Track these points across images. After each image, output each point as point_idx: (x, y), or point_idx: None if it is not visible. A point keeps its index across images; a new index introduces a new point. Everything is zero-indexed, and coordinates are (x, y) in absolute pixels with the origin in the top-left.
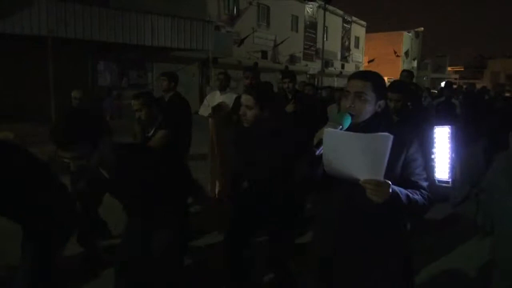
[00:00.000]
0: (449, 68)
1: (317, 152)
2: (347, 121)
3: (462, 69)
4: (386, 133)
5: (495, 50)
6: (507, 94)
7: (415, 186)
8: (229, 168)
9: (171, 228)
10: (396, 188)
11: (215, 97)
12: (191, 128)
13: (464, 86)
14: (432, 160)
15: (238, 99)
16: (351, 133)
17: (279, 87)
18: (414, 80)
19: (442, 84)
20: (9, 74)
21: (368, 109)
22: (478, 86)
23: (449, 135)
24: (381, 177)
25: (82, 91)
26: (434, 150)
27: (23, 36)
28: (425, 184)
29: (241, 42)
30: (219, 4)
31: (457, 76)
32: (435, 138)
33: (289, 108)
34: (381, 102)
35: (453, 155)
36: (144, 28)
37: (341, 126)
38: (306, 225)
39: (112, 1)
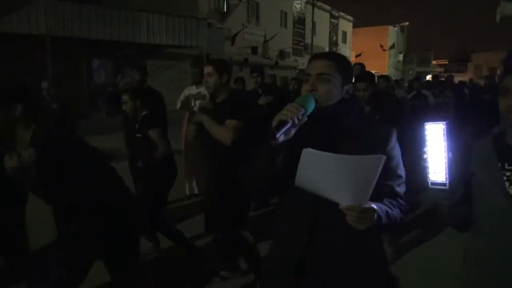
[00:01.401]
0: (433, 62)
1: (278, 135)
2: (311, 105)
3: (447, 62)
4: (379, 155)
5: (478, 44)
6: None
7: (391, 193)
8: (200, 162)
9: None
10: (377, 207)
11: (191, 92)
12: (166, 120)
13: (443, 78)
14: (424, 160)
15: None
16: (336, 155)
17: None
18: (398, 73)
19: (428, 77)
20: (8, 72)
21: (334, 92)
22: (459, 78)
23: (443, 132)
24: (366, 202)
25: (50, 82)
26: (426, 149)
27: (22, 35)
28: (401, 190)
29: (233, 38)
30: (209, 0)
31: (441, 69)
32: (426, 135)
33: (262, 101)
34: (349, 87)
35: (450, 154)
36: (140, 26)
37: (304, 111)
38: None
39: (105, 0)
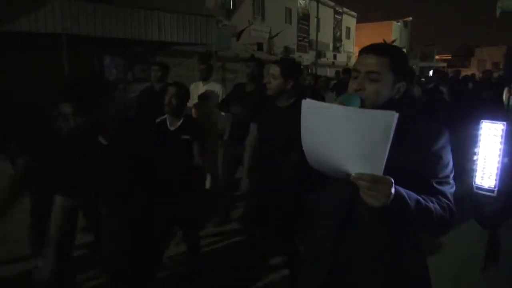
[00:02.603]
0: (437, 57)
1: None
2: (354, 105)
3: (450, 57)
4: (391, 111)
5: (482, 38)
6: (495, 75)
7: (434, 191)
8: (214, 159)
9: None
10: (402, 190)
11: (199, 88)
12: None
13: (451, 74)
14: (473, 162)
15: (237, 86)
16: (338, 106)
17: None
18: None
19: (431, 72)
20: (26, 70)
21: (383, 92)
22: (463, 73)
23: (502, 134)
24: (380, 171)
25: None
26: (477, 150)
27: (38, 34)
28: (449, 191)
29: (239, 35)
30: None
31: (445, 64)
32: (480, 135)
33: None
34: (401, 85)
35: (506, 159)
36: (152, 24)
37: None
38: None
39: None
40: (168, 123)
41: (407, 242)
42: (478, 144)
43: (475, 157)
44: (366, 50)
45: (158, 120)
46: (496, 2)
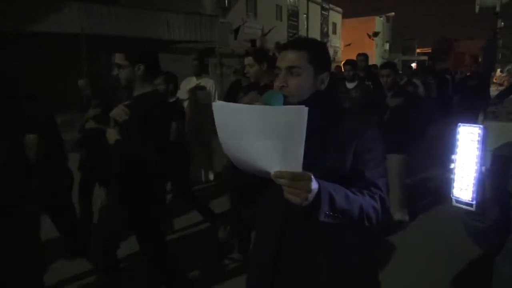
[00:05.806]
0: (418, 50)
1: None
2: (277, 102)
3: (430, 50)
4: (301, 106)
5: (460, 33)
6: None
7: (365, 182)
8: (206, 151)
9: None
10: (328, 184)
11: (191, 82)
12: None
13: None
14: (450, 171)
15: (233, 83)
16: (247, 105)
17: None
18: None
19: (413, 65)
20: (48, 69)
21: (305, 86)
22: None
23: (478, 139)
24: (298, 168)
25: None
26: (455, 157)
27: (58, 34)
28: (380, 180)
29: (235, 33)
30: None
31: (425, 57)
32: (457, 140)
33: None
34: (324, 76)
35: (483, 168)
36: (161, 24)
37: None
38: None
39: (124, 1)
40: None
41: (347, 236)
42: (455, 151)
43: (452, 165)
44: (285, 47)
45: None
46: None
